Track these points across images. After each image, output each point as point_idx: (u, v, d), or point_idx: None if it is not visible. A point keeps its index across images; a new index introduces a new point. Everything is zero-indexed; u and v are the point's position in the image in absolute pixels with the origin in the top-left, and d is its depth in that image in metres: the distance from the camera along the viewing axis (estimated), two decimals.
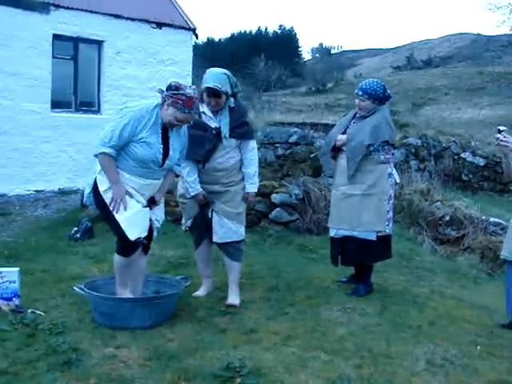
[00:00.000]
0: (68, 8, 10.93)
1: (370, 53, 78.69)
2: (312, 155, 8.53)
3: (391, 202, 5.10)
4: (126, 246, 4.07)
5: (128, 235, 3.99)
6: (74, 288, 4.27)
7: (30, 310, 4.22)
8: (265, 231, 7.37)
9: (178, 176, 4.56)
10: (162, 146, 4.08)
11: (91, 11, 11.24)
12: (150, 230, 4.26)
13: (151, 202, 4.22)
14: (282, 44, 56.12)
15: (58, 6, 10.80)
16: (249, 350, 3.72)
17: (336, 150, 5.14)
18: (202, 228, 4.82)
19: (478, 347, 3.97)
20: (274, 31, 62.46)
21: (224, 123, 4.56)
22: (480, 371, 3.60)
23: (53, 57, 10.91)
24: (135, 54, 11.96)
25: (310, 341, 3.92)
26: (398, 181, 5.31)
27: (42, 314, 4.21)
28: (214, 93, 4.47)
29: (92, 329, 4.00)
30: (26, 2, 10.37)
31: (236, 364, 3.36)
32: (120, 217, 3.99)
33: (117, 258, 4.18)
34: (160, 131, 4.08)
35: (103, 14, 11.43)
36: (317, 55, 65.68)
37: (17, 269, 4.49)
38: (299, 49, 61.85)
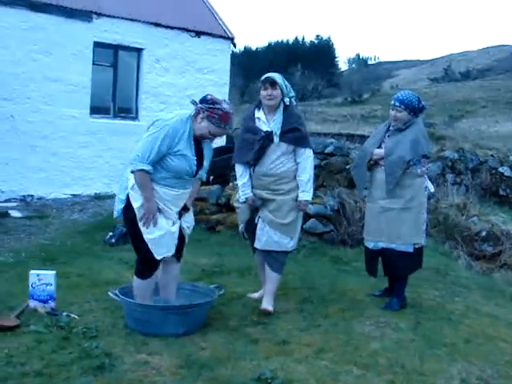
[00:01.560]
0: (109, 16, 11.14)
1: (407, 64, 78.15)
2: (348, 166, 8.48)
3: (426, 214, 5.16)
4: (147, 267, 4.10)
5: (154, 254, 4.01)
6: (109, 293, 4.31)
7: (64, 313, 4.28)
8: (299, 242, 7.34)
9: (203, 183, 4.63)
10: (195, 158, 4.09)
11: (131, 19, 11.43)
12: (182, 237, 4.28)
13: (184, 210, 4.23)
14: (319, 54, 56.11)
15: (99, 14, 11.00)
16: (281, 361, 3.70)
17: (372, 164, 5.12)
18: (254, 233, 4.80)
19: None
20: (311, 41, 62.53)
21: (276, 126, 4.59)
22: None
23: (93, 64, 11.13)
24: (174, 62, 12.10)
25: (342, 354, 3.89)
26: (433, 190, 5.35)
27: (76, 317, 4.26)
28: (270, 82, 4.55)
29: (125, 334, 4.03)
30: (69, 11, 10.58)
31: (268, 375, 3.36)
32: (148, 236, 3.99)
33: (137, 282, 4.19)
34: (193, 143, 4.09)
35: (143, 22, 11.61)
36: (353, 66, 65.54)
37: (54, 272, 4.56)
38: (336, 59, 61.78)
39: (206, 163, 4.25)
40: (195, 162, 4.10)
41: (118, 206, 4.15)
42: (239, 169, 4.72)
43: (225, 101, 4.17)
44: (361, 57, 68.95)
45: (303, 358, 3.78)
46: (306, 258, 6.72)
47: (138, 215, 3.99)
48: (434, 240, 7.61)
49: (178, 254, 4.32)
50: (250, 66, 49.55)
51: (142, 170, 3.92)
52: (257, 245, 4.73)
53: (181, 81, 12.17)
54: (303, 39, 62.76)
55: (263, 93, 4.62)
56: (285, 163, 4.62)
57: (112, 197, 10.10)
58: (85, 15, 10.80)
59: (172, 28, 12.02)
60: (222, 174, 9.60)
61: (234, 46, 13.25)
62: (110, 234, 7.19)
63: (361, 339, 4.20)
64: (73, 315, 4.29)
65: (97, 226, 8.05)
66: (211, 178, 8.92)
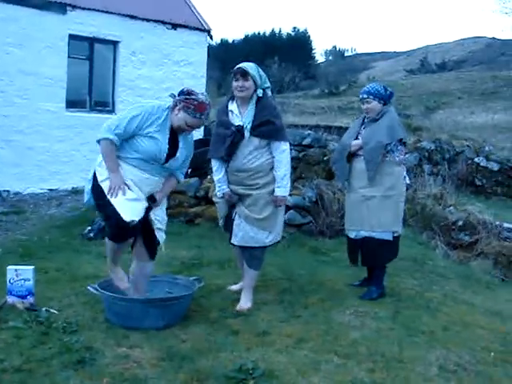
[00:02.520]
0: (84, 8, 11.01)
1: (383, 56, 78.44)
2: (326, 158, 8.52)
3: (404, 204, 5.28)
4: (118, 231, 4.00)
5: (122, 216, 3.88)
6: (88, 288, 4.29)
7: (44, 309, 4.25)
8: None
9: (179, 182, 4.50)
10: (168, 146, 4.06)
11: (107, 12, 11.31)
12: (152, 232, 4.21)
13: (151, 201, 4.16)
14: (296, 46, 56.01)
15: (74, 7, 10.87)
16: (261, 352, 3.72)
17: (350, 156, 5.20)
18: (232, 229, 4.78)
19: (492, 353, 3.95)
20: (288, 33, 62.37)
21: (247, 120, 4.50)
22: (494, 378, 3.59)
23: (68, 57, 10.99)
24: (150, 55, 12.01)
25: (322, 344, 3.92)
26: (408, 182, 5.43)
27: (55, 312, 4.23)
28: (241, 73, 4.48)
29: (105, 328, 4.02)
30: (43, 2, 10.44)
31: (249, 366, 3.37)
32: (115, 200, 3.93)
33: (109, 243, 4.15)
34: (168, 133, 4.07)
35: (119, 14, 11.50)
36: (330, 58, 65.63)
37: (32, 267, 4.51)
38: (313, 51, 61.69)
39: (180, 155, 4.16)
40: (166, 150, 4.05)
41: (87, 188, 4.16)
42: (215, 164, 4.68)
43: (202, 93, 4.15)
44: (338, 49, 69.05)
45: (284, 349, 3.80)
46: (286, 250, 6.74)
47: (105, 188, 3.97)
48: (412, 230, 7.69)
49: (151, 251, 4.28)
50: (227, 59, 49.23)
51: (107, 138, 3.94)
52: (233, 241, 4.71)
53: (157, 73, 12.09)
54: (280, 31, 62.56)
55: (234, 84, 4.53)
56: (258, 157, 4.53)
57: None
58: (59, 7, 10.66)
59: (148, 20, 11.93)
60: (199, 166, 9.57)
61: (211, 38, 13.21)
62: (89, 228, 7.14)
63: (340, 329, 4.24)
64: (52, 310, 4.26)
65: (75, 221, 7.98)
66: (189, 170, 8.88)
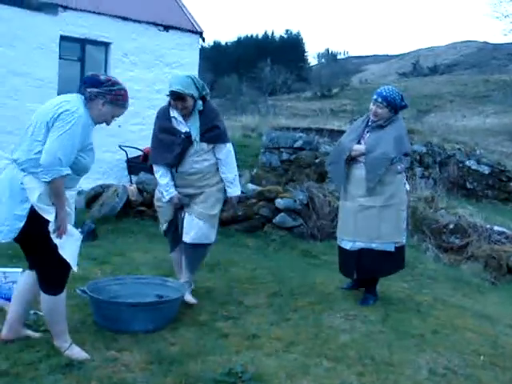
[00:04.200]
0: (75, 9, 10.95)
1: (375, 59, 78.73)
2: (317, 160, 8.54)
3: (406, 211, 5.04)
4: (59, 281, 3.56)
5: (72, 266, 3.52)
6: (76, 290, 4.25)
7: (32, 312, 4.20)
8: (268, 236, 7.37)
9: None
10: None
11: (99, 13, 11.26)
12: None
13: None
14: (288, 49, 56.16)
15: (65, 8, 10.81)
16: (251, 355, 3.70)
17: (350, 160, 4.94)
18: (176, 232, 4.79)
19: (481, 357, 3.95)
20: (281, 36, 62.56)
21: (194, 127, 4.50)
22: (483, 381, 3.59)
23: (60, 58, 10.92)
24: (142, 57, 11.97)
25: (312, 347, 3.91)
26: (409, 188, 5.25)
27: (43, 315, 4.19)
28: (177, 96, 4.40)
29: (94, 331, 3.98)
30: (34, 3, 10.39)
31: (238, 369, 3.36)
32: (65, 248, 3.47)
33: (50, 301, 3.55)
34: None
35: (110, 15, 11.45)
36: (322, 60, 65.66)
37: (20, 269, 4.46)
38: (305, 54, 61.91)
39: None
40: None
41: (14, 226, 3.40)
42: (159, 169, 4.61)
43: (114, 77, 3.74)
44: (330, 51, 68.96)
45: (273, 352, 3.79)
46: (276, 252, 6.74)
47: (52, 228, 3.41)
48: None
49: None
50: (220, 61, 49.41)
51: (63, 175, 3.32)
52: (185, 238, 4.65)
53: (149, 75, 12.05)
54: (272, 34, 62.78)
55: (173, 104, 4.50)
56: (208, 159, 4.59)
57: (80, 193, 9.98)
58: (50, 8, 10.60)
59: (140, 22, 11.88)
60: None
61: (203, 40, 13.18)
62: (78, 230, 7.07)
63: (330, 332, 4.22)
64: (40, 313, 4.21)
65: None
66: None
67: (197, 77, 4.53)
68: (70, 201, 3.58)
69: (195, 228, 4.62)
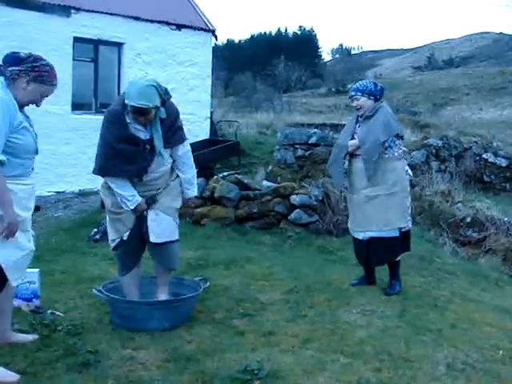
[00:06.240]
0: (88, 11, 11.04)
1: (390, 53, 78.30)
2: None
3: (410, 197, 5.22)
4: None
5: (11, 280, 3.34)
6: (93, 290, 4.28)
7: (49, 311, 4.24)
8: (284, 233, 7.35)
9: None
10: (33, 128, 3.40)
11: (111, 13, 11.33)
12: None
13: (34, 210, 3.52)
14: (302, 45, 56.06)
15: (78, 9, 10.90)
16: (267, 352, 3.69)
17: (350, 156, 5.14)
18: (136, 244, 4.32)
19: (501, 351, 3.90)
20: (294, 32, 62.44)
21: (157, 136, 4.05)
22: (502, 376, 3.54)
23: (73, 59, 11.02)
24: (155, 56, 12.02)
25: (328, 344, 3.89)
26: (411, 175, 5.34)
27: (61, 314, 4.23)
28: (140, 112, 3.95)
29: (110, 330, 4.00)
30: (47, 6, 10.46)
31: (254, 367, 3.34)
32: (7, 259, 3.27)
33: None
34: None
35: (123, 16, 11.52)
36: (337, 56, 65.61)
37: (37, 270, 4.50)
38: (319, 50, 61.73)
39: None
40: (36, 134, 3.41)
41: None
42: (118, 182, 4.11)
43: (36, 53, 3.47)
44: (344, 47, 69.08)
45: (289, 349, 3.77)
46: (292, 249, 6.72)
47: None
48: (420, 227, 7.64)
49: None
50: (234, 59, 49.44)
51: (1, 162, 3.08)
52: (152, 238, 4.22)
53: (162, 74, 12.07)
54: (286, 30, 62.71)
55: (132, 116, 4.00)
56: (169, 161, 4.24)
57: (96, 193, 10.04)
58: (63, 10, 10.68)
59: (152, 21, 11.93)
60: (205, 166, 9.59)
61: (216, 38, 13.20)
62: (95, 230, 7.14)
63: (347, 328, 4.20)
64: (57, 313, 4.26)
65: (81, 223, 7.99)
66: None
67: (157, 81, 4.04)
68: (24, 195, 3.34)
69: (161, 225, 4.24)
